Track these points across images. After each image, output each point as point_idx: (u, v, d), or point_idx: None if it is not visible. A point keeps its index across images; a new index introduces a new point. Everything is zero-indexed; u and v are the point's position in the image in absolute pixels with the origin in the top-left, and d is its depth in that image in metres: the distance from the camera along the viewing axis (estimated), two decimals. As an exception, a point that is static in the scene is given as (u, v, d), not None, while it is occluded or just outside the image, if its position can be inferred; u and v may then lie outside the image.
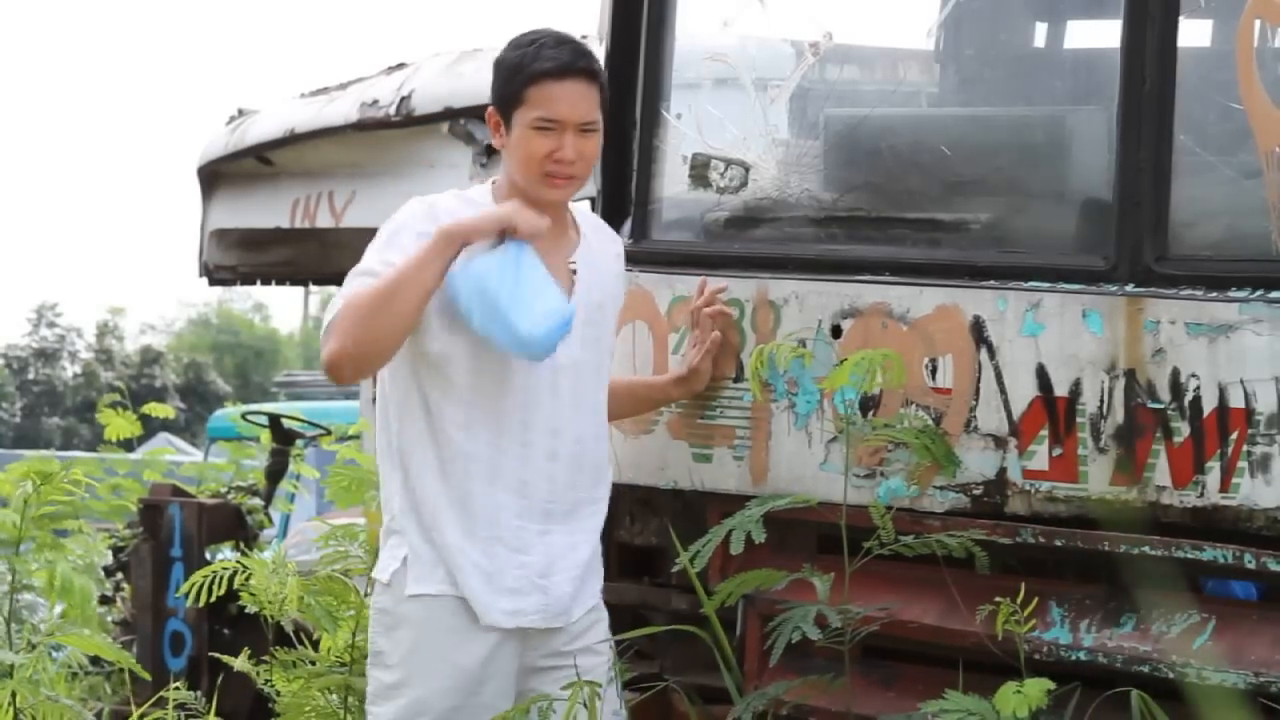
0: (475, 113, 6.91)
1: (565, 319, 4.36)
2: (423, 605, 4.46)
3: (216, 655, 6.21)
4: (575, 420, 4.55)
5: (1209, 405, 4.23)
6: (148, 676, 6.31)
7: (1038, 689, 4.15)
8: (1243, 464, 4.19)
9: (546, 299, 4.34)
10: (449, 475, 4.46)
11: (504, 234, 4.36)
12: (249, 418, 10.66)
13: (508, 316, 4.30)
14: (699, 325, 4.85)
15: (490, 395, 4.46)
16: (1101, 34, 4.80)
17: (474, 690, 4.43)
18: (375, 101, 7.35)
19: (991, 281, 4.52)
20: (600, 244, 4.66)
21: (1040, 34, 5.15)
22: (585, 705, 4.38)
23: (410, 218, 4.47)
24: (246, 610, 5.64)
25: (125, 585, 9.28)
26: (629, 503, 5.09)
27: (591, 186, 5.10)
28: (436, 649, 4.45)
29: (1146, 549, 4.27)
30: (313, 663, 5.48)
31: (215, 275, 8.58)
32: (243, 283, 8.78)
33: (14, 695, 5.66)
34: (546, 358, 4.41)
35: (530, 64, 4.43)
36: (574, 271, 4.55)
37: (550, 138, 4.42)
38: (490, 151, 6.83)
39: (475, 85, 7.00)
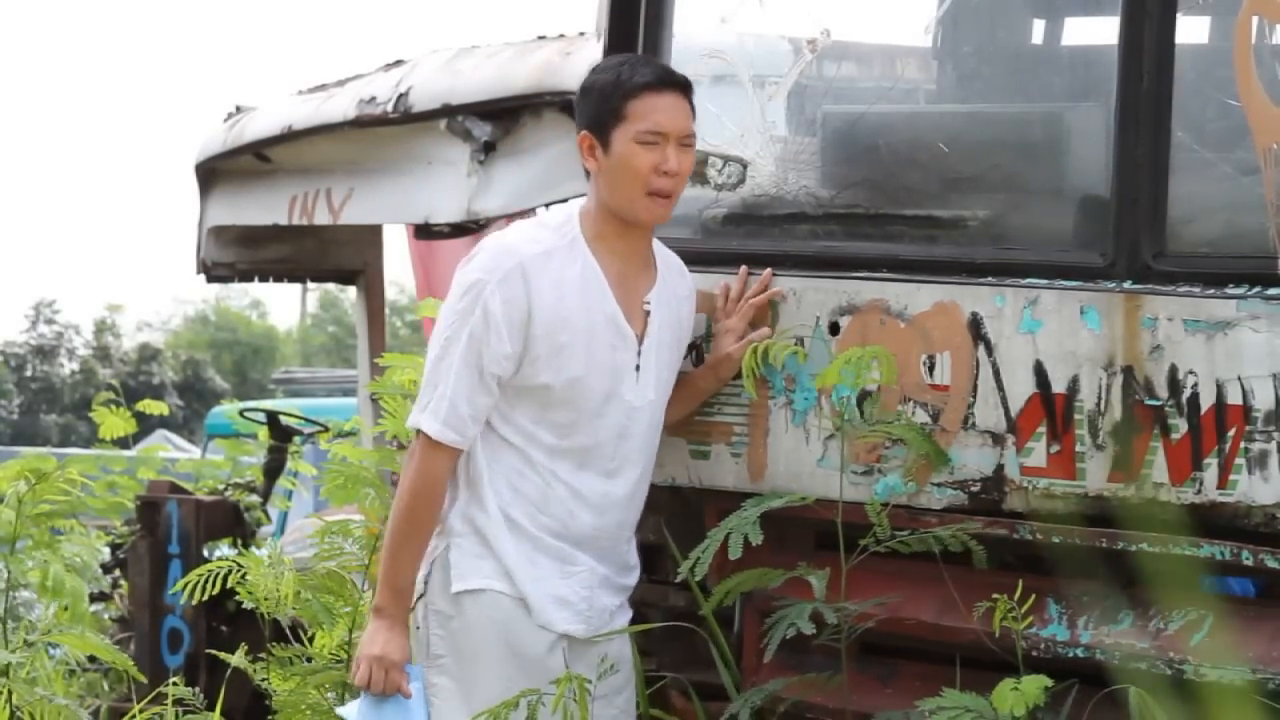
0: (473, 109, 6.90)
1: None
2: (482, 601, 4.53)
3: (214, 653, 6.20)
4: (637, 462, 4.63)
5: (1206, 402, 4.23)
6: (143, 678, 6.31)
7: (1035, 686, 4.16)
8: (1240, 461, 4.19)
9: None
10: (507, 491, 4.55)
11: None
12: (247, 415, 10.66)
13: None
14: (739, 315, 4.80)
15: (565, 430, 4.55)
16: (1099, 31, 4.80)
17: (537, 685, 4.47)
18: (373, 98, 7.34)
19: (989, 278, 4.52)
20: (674, 283, 4.72)
21: (1038, 31, 5.15)
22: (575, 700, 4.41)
23: (488, 274, 4.49)
24: (245, 607, 5.64)
25: (123, 582, 9.28)
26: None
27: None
28: (497, 643, 4.52)
29: (1144, 546, 4.27)
30: (309, 659, 5.47)
31: (213, 272, 8.55)
32: (241, 279, 8.75)
33: (10, 694, 5.66)
34: None
35: (629, 79, 4.50)
36: (648, 312, 4.62)
37: (655, 151, 4.49)
38: (488, 149, 6.82)
39: (473, 82, 6.99)
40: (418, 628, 4.60)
